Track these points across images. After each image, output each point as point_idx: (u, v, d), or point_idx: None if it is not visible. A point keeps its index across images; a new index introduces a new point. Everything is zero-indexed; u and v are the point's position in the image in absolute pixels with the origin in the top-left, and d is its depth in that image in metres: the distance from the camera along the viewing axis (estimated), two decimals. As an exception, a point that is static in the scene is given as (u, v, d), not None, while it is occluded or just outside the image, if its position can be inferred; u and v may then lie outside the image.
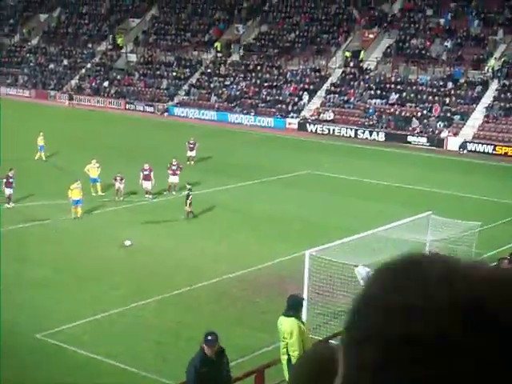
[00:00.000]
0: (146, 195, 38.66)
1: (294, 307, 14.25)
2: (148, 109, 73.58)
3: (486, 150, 56.03)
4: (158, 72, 78.63)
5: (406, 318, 1.16)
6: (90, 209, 35.79)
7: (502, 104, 59.80)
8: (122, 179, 38.28)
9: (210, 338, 13.13)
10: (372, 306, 1.23)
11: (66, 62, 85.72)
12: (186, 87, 75.27)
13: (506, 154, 55.13)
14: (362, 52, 69.75)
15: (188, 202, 35.29)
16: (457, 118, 60.25)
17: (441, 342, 1.12)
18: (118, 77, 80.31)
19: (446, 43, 67.22)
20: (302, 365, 2.69)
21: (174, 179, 40.02)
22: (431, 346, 1.13)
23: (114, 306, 23.90)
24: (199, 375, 12.78)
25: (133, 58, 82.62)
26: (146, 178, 38.69)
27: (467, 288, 1.18)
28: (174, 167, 40.07)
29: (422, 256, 1.28)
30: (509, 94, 60.55)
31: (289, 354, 13.91)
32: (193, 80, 76.14)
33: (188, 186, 36.02)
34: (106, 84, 79.61)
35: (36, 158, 47.36)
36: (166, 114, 71.73)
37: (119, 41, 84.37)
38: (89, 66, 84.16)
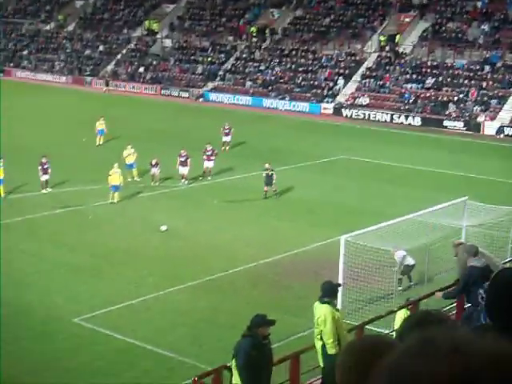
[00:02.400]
0: (182, 180, 38.83)
1: (328, 293, 14.23)
2: (183, 94, 73.68)
3: (523, 135, 55.46)
4: (193, 57, 78.67)
5: None
6: (127, 194, 35.96)
7: (540, 88, 59.12)
8: (157, 164, 38.47)
9: (267, 318, 13.09)
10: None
11: (101, 47, 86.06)
12: (221, 72, 75.26)
13: (543, 138, 54.54)
14: (398, 36, 69.23)
15: (273, 182, 36.23)
16: (494, 102, 59.64)
17: None
18: (154, 62, 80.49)
19: (483, 26, 66.48)
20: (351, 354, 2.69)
21: (208, 164, 40.16)
22: None
23: (150, 291, 24.05)
24: (250, 359, 12.77)
25: (168, 43, 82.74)
26: (183, 163, 38.86)
27: (465, 363, 1.41)
28: (208, 152, 40.19)
29: (434, 332, 1.59)
30: (547, 77, 59.83)
31: (323, 341, 13.92)
32: (228, 65, 76.10)
33: (269, 167, 36.65)
34: (141, 70, 79.82)
35: (97, 144, 47.95)
36: (201, 99, 71.80)
37: (154, 26, 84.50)
38: (124, 51, 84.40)
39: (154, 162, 38.56)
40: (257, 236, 30.01)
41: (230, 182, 39.42)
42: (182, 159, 38.83)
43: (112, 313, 22.40)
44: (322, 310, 13.89)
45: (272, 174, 36.50)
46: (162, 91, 75.31)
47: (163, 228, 30.41)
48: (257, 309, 19.16)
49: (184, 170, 38.88)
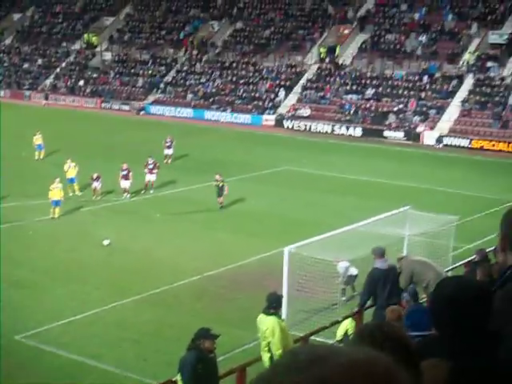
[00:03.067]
0: (124, 194, 38.53)
1: (273, 305, 14.24)
2: (124, 107, 73.33)
3: (462, 144, 56.29)
4: (133, 70, 78.37)
5: None
6: (68, 209, 35.57)
7: (478, 98, 60.11)
8: (98, 178, 38.13)
9: (211, 332, 13.00)
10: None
11: (40, 61, 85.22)
12: (161, 85, 75.05)
13: (482, 147, 55.43)
14: (338, 48, 69.87)
15: (224, 193, 36.18)
16: (433, 112, 60.50)
17: None
18: (93, 76, 79.97)
19: (420, 38, 67.46)
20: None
21: (150, 177, 39.94)
22: None
23: (94, 306, 23.78)
24: (196, 373, 12.64)
25: (108, 56, 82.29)
26: (125, 177, 38.56)
27: (321, 375, 1.59)
28: (150, 166, 39.97)
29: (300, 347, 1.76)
30: (484, 87, 60.86)
31: (271, 353, 13.89)
32: (168, 78, 75.95)
33: (219, 178, 36.53)
34: (81, 83, 79.23)
35: (36, 159, 47.32)
36: (142, 112, 71.49)
37: (93, 39, 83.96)
38: (63, 65, 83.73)
39: (95, 176, 38.21)
40: (200, 249, 29.90)
41: (173, 194, 39.27)
42: (124, 173, 38.56)
43: (55, 329, 22.08)
44: (269, 322, 13.88)
45: (223, 185, 36.44)
46: (103, 104, 74.85)
47: (106, 242, 30.12)
48: (201, 322, 19.08)
49: (126, 184, 38.60)
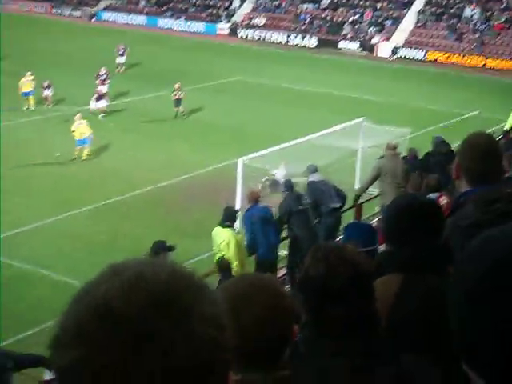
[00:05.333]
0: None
1: (229, 218, 14.29)
2: (75, 13, 71.69)
3: (416, 56, 56.28)
4: (85, -25, 76.40)
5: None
6: (20, 121, 34.93)
7: (433, 9, 59.85)
8: (49, 87, 37.40)
9: (170, 245, 12.86)
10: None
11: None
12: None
13: (436, 60, 55.47)
14: (294, -45, 68.68)
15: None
16: (388, 23, 60.17)
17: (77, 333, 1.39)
18: (43, -20, 77.84)
19: None
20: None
21: (102, 88, 39.17)
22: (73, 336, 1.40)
23: (45, 216, 23.63)
24: None
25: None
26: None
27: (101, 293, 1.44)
28: (102, 76, 39.19)
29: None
30: (440, -1, 60.61)
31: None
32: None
33: (178, 86, 36.47)
34: (30, -13, 77.13)
35: None
36: (93, 19, 70.04)
37: None
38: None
39: (45, 85, 37.47)
40: (154, 159, 29.73)
41: (126, 104, 38.81)
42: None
43: (6, 239, 21.93)
44: (224, 234, 13.93)
45: (181, 93, 36.24)
46: (53, 10, 73.08)
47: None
48: (156, 232, 19.15)
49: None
